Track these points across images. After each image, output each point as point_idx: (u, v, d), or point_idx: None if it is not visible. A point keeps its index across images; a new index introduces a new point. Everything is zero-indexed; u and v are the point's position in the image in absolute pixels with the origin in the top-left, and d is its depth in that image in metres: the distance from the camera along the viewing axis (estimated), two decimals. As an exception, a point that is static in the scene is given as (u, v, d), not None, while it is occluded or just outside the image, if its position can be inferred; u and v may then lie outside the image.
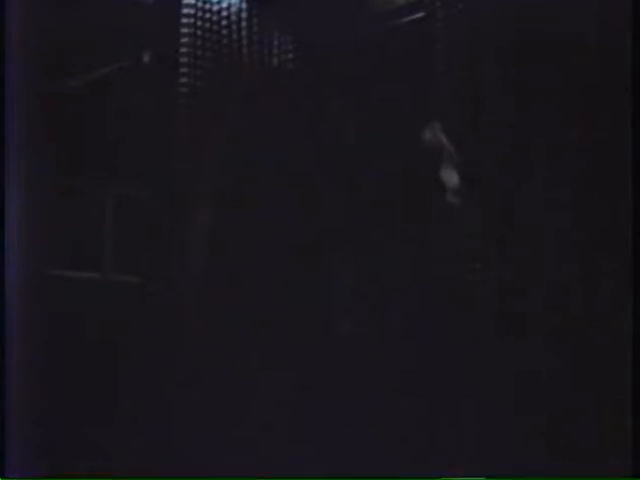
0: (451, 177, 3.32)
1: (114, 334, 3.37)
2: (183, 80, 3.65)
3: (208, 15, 3.77)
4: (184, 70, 3.65)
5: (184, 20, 3.69)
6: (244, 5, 3.86)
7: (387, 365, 3.34)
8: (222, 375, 3.39)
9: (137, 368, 3.31)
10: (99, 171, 3.64)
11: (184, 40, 3.68)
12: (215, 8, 3.79)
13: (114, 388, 3.30)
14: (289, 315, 3.52)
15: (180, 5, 3.69)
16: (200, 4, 3.74)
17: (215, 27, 3.78)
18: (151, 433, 3.26)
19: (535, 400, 2.98)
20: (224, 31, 3.81)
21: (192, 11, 3.71)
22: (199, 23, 3.72)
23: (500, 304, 3.16)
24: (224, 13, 3.83)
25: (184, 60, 3.66)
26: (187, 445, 3.23)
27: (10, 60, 2.81)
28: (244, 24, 3.87)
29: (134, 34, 3.65)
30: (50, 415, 3.09)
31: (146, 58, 3.71)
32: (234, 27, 3.84)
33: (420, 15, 3.70)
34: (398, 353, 3.34)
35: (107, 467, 3.10)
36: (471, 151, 3.37)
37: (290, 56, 3.99)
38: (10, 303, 2.80)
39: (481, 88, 3.33)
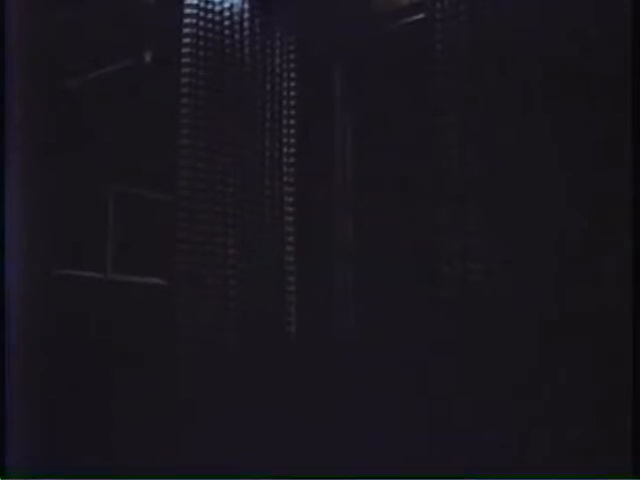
0: None
1: (114, 335, 3.38)
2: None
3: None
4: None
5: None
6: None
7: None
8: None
9: (136, 369, 3.32)
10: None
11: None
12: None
13: (113, 389, 3.30)
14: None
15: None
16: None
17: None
18: (150, 433, 3.27)
19: (535, 400, 2.98)
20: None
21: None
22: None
23: (500, 303, 3.17)
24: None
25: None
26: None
27: (10, 60, 2.81)
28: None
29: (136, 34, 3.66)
30: (50, 415, 3.09)
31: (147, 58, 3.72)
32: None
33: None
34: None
35: (107, 467, 3.10)
36: (475, 151, 3.38)
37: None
38: (11, 303, 2.80)
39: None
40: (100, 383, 3.27)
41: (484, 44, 3.36)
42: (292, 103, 4.07)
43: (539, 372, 2.99)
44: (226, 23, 3.86)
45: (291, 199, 3.96)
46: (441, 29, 3.54)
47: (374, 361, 3.42)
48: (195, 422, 3.32)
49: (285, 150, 4.02)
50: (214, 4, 3.82)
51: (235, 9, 3.89)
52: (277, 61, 4.08)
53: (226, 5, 3.86)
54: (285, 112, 4.05)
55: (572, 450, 2.86)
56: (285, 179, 3.98)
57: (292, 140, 4.03)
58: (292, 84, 4.10)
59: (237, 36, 3.89)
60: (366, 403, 3.32)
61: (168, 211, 3.63)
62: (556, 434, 2.91)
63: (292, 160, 4.03)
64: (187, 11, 3.73)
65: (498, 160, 3.26)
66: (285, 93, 4.07)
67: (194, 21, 3.73)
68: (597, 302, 2.92)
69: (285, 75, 4.10)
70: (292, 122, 4.05)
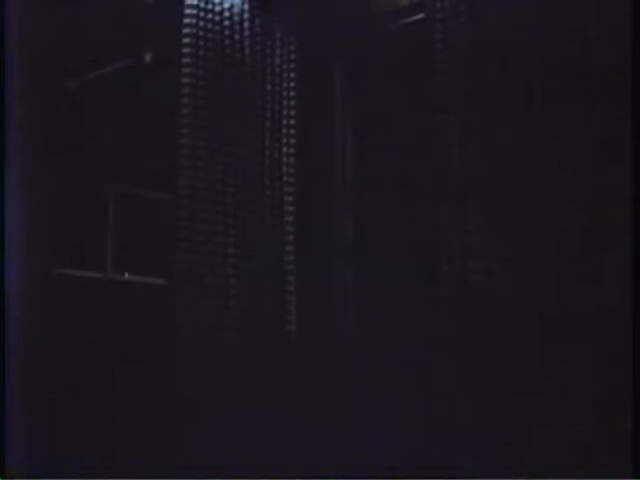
0: None
1: (115, 334, 3.38)
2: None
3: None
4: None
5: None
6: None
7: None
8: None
9: (136, 369, 3.32)
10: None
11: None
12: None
13: (113, 388, 3.30)
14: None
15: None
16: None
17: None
18: (150, 432, 3.27)
19: (535, 398, 2.97)
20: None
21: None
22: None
23: (500, 301, 3.16)
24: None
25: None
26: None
27: (10, 60, 2.81)
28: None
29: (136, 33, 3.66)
30: (50, 415, 3.09)
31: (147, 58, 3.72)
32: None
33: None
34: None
35: (107, 467, 3.10)
36: (475, 149, 3.38)
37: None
38: (11, 303, 2.80)
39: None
40: (100, 383, 3.27)
41: (484, 43, 3.36)
42: (292, 103, 4.06)
43: (539, 371, 2.99)
44: (226, 23, 3.85)
45: (291, 199, 3.96)
46: (441, 29, 3.54)
47: (374, 360, 3.42)
48: (195, 421, 3.31)
49: (285, 150, 4.02)
50: (214, 4, 3.81)
51: (235, 9, 3.89)
52: (277, 61, 4.08)
53: (226, 5, 3.85)
54: (285, 112, 4.05)
55: (572, 449, 2.85)
56: (285, 179, 3.98)
57: (292, 140, 4.03)
58: (292, 84, 4.10)
59: (237, 36, 3.89)
60: (366, 402, 3.32)
61: (168, 210, 3.63)
62: (556, 433, 2.91)
63: (292, 160, 4.02)
64: (187, 11, 3.73)
65: (498, 159, 3.26)
66: (285, 93, 4.07)
67: (194, 21, 3.73)
68: (597, 300, 2.92)
69: (285, 75, 4.09)
70: (292, 122, 4.05)
